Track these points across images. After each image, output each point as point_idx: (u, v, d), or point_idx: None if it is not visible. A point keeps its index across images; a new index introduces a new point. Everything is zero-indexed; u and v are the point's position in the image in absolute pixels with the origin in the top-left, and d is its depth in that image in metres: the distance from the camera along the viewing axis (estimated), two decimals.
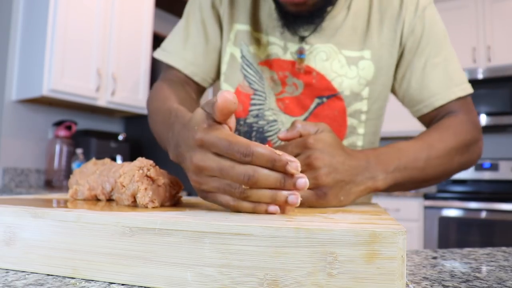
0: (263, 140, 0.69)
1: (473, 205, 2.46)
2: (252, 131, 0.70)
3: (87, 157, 2.21)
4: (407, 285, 0.31)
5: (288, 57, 0.66)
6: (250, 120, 0.70)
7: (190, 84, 0.72)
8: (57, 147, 2.21)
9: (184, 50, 0.71)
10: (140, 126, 2.66)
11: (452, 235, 2.51)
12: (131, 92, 2.42)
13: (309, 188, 0.44)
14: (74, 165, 2.14)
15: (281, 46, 0.67)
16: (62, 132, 2.23)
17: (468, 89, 0.65)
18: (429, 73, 0.64)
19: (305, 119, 0.67)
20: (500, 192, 2.79)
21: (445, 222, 2.53)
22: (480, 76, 2.73)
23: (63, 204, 0.40)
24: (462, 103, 0.65)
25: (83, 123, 2.48)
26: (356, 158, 0.49)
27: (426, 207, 2.61)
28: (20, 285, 0.28)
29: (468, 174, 2.95)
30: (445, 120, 0.62)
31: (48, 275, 0.31)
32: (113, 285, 0.29)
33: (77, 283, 0.29)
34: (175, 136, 0.42)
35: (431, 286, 0.31)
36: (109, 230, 0.29)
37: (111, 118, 2.69)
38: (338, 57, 0.65)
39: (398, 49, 0.66)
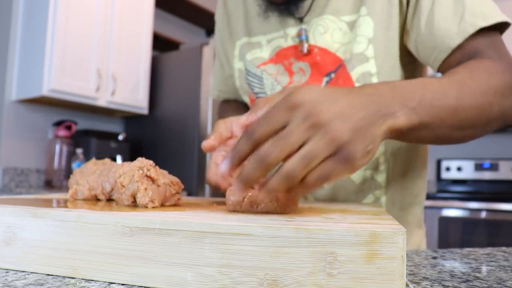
0: None
1: (473, 205, 2.46)
2: None
3: (87, 157, 2.21)
4: (407, 285, 0.31)
5: (290, 42, 0.66)
6: None
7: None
8: (57, 147, 2.21)
9: (225, 84, 0.85)
10: (140, 126, 2.65)
11: (452, 235, 2.51)
12: (131, 92, 2.41)
13: (327, 157, 0.32)
14: (74, 165, 2.14)
15: (281, 35, 0.67)
16: (62, 132, 2.22)
17: (495, 18, 0.50)
18: (439, 10, 0.52)
19: None
20: (500, 192, 2.79)
21: (445, 222, 2.53)
22: None
23: (63, 204, 0.40)
24: (490, 43, 0.51)
25: (83, 123, 2.48)
26: (362, 93, 0.36)
27: (426, 207, 2.61)
28: (20, 285, 0.28)
29: (468, 174, 2.95)
30: (472, 61, 0.49)
31: (48, 275, 0.31)
32: (113, 285, 0.29)
33: (77, 283, 0.29)
34: None
35: (431, 286, 0.31)
36: (109, 230, 0.29)
37: (111, 118, 2.69)
38: (338, 25, 0.61)
39: None
